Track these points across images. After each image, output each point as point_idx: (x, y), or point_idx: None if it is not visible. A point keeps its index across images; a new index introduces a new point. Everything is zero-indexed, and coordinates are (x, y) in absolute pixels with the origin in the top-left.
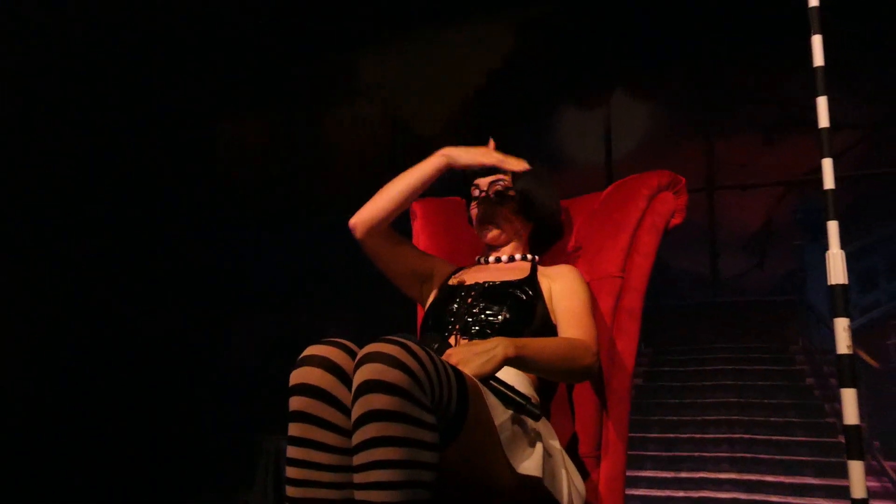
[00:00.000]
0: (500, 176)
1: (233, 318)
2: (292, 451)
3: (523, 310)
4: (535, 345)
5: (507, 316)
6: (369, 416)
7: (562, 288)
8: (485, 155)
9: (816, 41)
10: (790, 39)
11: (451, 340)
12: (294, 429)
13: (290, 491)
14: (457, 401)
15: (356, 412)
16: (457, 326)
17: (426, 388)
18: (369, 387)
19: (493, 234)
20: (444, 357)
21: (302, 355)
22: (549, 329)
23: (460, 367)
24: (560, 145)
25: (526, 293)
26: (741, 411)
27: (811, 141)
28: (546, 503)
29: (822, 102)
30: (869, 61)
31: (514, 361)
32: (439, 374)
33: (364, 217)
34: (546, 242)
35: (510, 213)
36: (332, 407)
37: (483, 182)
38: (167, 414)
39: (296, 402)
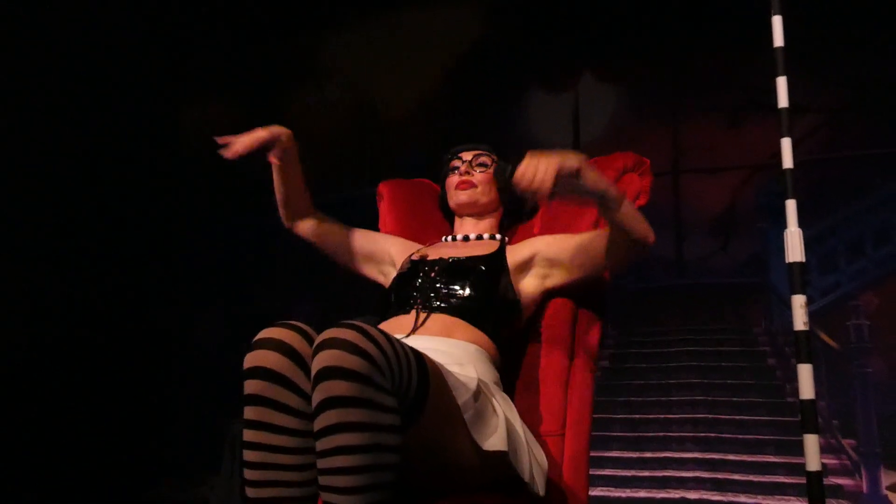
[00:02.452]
0: (485, 150)
1: (198, 302)
2: (249, 435)
3: (487, 285)
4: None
5: (471, 292)
6: (329, 403)
7: (549, 240)
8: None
9: (776, 22)
10: (755, 23)
11: (413, 314)
12: (250, 412)
13: (249, 474)
14: (417, 383)
15: (316, 399)
16: (419, 301)
17: (386, 372)
18: (328, 373)
19: (470, 193)
20: (524, 162)
21: (257, 338)
22: (513, 305)
23: (543, 166)
24: (528, 129)
25: (490, 267)
26: (705, 392)
27: (775, 125)
28: (510, 480)
29: (781, 83)
30: (831, 45)
31: (589, 172)
32: (399, 358)
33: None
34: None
35: (490, 181)
36: (289, 390)
37: (467, 154)
38: (133, 399)
39: (251, 386)
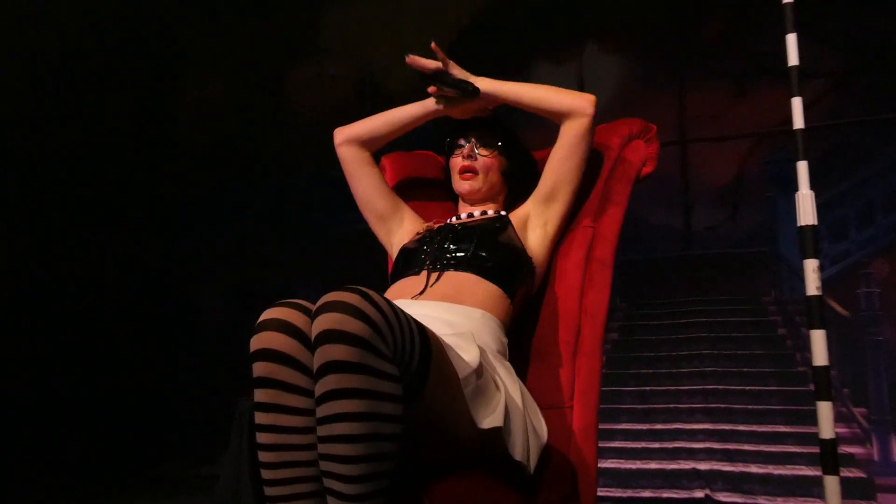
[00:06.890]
0: (489, 131)
1: (205, 280)
2: (261, 417)
3: (494, 238)
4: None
5: (480, 248)
6: (328, 368)
7: (536, 190)
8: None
9: None
10: None
11: (423, 274)
12: (261, 395)
13: (264, 456)
14: (420, 352)
15: (316, 363)
16: (427, 262)
17: (387, 339)
18: (328, 337)
19: (472, 183)
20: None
21: (260, 319)
22: (522, 255)
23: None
24: None
25: (496, 224)
26: (715, 363)
27: (782, 92)
28: (505, 455)
29: (791, 40)
30: (836, 10)
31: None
32: (402, 325)
33: (350, 127)
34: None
35: (493, 167)
36: (297, 370)
37: (471, 134)
38: (141, 377)
39: (260, 368)
